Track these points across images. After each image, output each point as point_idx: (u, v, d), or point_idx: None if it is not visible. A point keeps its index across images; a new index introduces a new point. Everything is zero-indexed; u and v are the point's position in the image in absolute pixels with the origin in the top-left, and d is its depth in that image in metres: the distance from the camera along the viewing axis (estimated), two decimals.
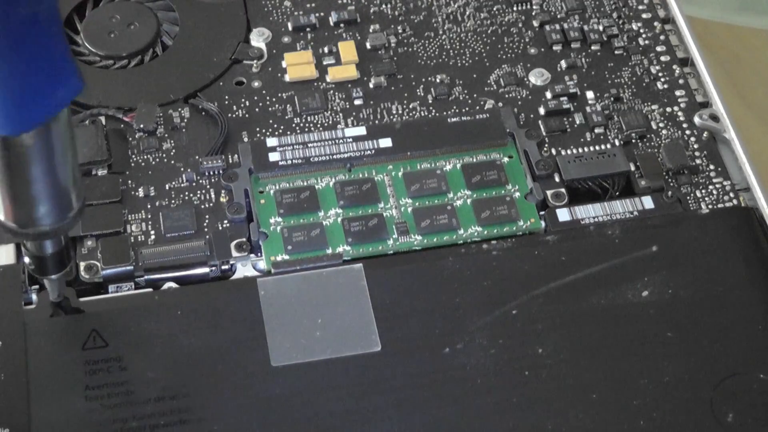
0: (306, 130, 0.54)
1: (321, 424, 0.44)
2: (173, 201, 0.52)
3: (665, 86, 0.56)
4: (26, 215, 0.41)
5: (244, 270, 0.50)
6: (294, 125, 0.55)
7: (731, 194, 0.52)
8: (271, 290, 0.48)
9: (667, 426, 0.45)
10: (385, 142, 0.53)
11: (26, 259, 0.45)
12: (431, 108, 0.55)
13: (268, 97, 0.56)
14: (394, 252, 0.50)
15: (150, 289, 0.49)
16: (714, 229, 0.50)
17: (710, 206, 0.52)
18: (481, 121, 0.54)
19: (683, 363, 0.46)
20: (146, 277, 0.49)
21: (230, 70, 0.57)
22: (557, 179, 0.52)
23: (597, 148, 0.54)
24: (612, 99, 0.56)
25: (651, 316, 0.47)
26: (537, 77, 0.56)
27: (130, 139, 0.54)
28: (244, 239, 0.50)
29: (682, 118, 0.55)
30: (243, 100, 0.56)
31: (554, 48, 0.58)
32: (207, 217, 0.51)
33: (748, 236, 0.50)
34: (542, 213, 0.51)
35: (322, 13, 0.59)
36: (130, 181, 0.52)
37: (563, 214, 0.51)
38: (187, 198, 0.52)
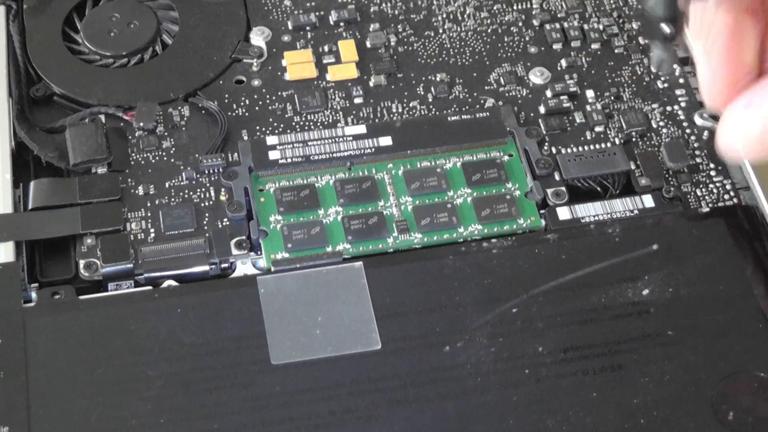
0: (306, 128, 0.54)
1: (321, 422, 0.44)
2: (173, 199, 0.52)
3: (665, 85, 0.56)
4: None
5: (243, 268, 0.50)
6: (294, 123, 0.55)
7: (731, 193, 0.52)
8: (271, 288, 0.48)
9: (668, 425, 0.45)
10: (385, 141, 0.53)
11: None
12: (431, 107, 0.55)
13: (268, 96, 0.56)
14: (394, 250, 0.50)
15: (150, 287, 0.49)
16: (714, 227, 0.50)
17: (710, 205, 0.52)
18: (481, 119, 0.54)
19: (683, 362, 0.46)
20: (146, 275, 0.49)
21: (230, 68, 0.57)
22: (557, 178, 0.52)
23: (597, 146, 0.54)
24: (612, 98, 0.56)
25: (651, 314, 0.47)
26: (537, 76, 0.56)
27: (130, 137, 0.54)
28: (244, 237, 0.50)
29: (682, 117, 0.55)
30: (243, 98, 0.56)
31: (554, 47, 0.58)
32: (207, 215, 0.51)
33: (748, 235, 0.50)
34: (542, 211, 0.51)
35: (322, 12, 0.59)
36: (130, 180, 0.52)
37: (563, 213, 0.51)
38: (186, 196, 0.52)
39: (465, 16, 0.59)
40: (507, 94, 0.56)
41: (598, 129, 0.54)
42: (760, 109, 0.40)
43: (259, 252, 0.50)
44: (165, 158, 0.53)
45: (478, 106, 0.55)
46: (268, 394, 0.45)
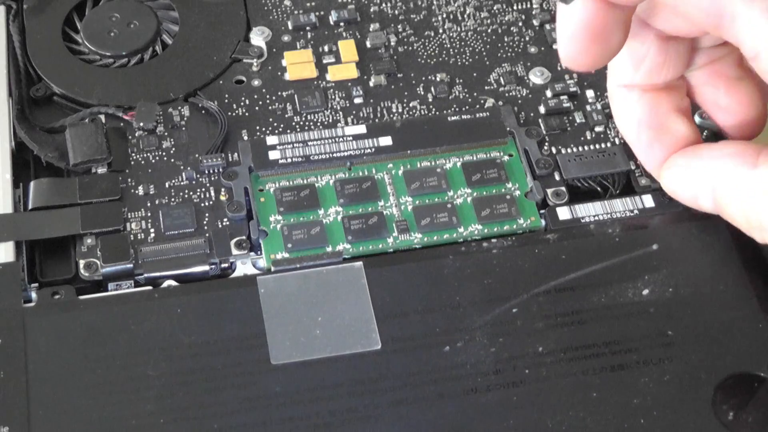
0: (306, 128, 0.54)
1: (321, 422, 0.44)
2: (173, 199, 0.52)
3: None
4: None
5: (243, 268, 0.50)
6: (294, 123, 0.55)
7: None
8: (270, 288, 0.48)
9: (667, 425, 0.44)
10: (386, 141, 0.53)
11: None
12: (431, 106, 0.55)
13: (268, 96, 0.56)
14: (394, 250, 0.50)
15: (150, 287, 0.49)
16: (714, 227, 0.50)
17: None
18: (481, 119, 0.54)
19: (683, 362, 0.46)
20: (146, 275, 0.49)
21: (230, 68, 0.57)
22: (557, 178, 0.52)
23: (597, 146, 0.54)
24: None
25: (651, 314, 0.47)
26: (537, 76, 0.56)
27: (130, 137, 0.54)
28: (244, 237, 0.50)
29: None
30: (243, 98, 0.56)
31: (554, 47, 0.58)
32: (207, 215, 0.51)
33: (748, 234, 0.50)
34: (542, 211, 0.51)
35: (322, 12, 0.59)
36: (130, 179, 0.52)
37: (563, 213, 0.51)
38: (186, 196, 0.52)
39: (465, 16, 0.59)
40: (507, 94, 0.56)
41: (598, 129, 0.54)
42: (690, 177, 0.47)
43: (259, 252, 0.50)
44: (165, 158, 0.53)
45: (478, 106, 0.55)
46: (268, 394, 0.45)
